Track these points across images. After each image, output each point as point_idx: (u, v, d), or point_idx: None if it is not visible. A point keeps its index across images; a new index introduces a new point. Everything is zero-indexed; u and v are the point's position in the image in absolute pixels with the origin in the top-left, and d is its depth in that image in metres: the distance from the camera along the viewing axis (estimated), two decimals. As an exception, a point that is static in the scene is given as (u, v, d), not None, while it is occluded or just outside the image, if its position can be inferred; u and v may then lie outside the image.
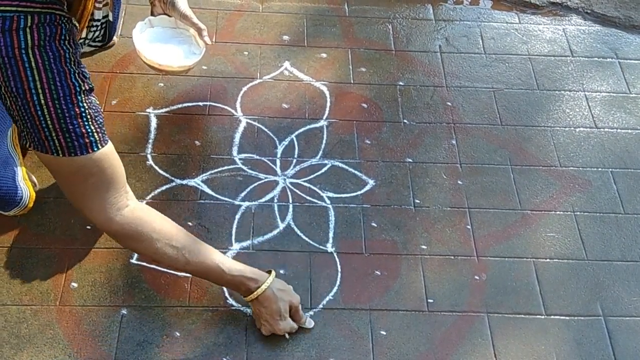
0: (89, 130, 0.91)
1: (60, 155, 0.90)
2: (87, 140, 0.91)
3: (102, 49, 1.56)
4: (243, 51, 1.61)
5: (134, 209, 1.02)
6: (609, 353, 1.21)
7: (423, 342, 1.20)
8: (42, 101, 0.86)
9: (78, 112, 0.89)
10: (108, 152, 0.95)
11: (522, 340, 1.22)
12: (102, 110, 0.96)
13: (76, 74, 0.89)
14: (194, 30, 1.35)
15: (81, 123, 0.90)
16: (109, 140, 0.97)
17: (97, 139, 0.92)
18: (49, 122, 0.87)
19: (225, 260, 1.09)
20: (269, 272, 1.15)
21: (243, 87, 1.54)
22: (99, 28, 1.37)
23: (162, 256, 1.04)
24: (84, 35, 1.32)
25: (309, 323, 1.18)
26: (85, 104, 0.90)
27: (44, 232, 1.27)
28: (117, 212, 0.99)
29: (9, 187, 1.17)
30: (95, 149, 0.92)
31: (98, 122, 0.93)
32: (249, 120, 1.48)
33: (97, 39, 1.43)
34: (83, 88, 0.90)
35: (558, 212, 1.40)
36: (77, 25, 0.95)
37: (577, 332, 1.23)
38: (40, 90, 0.85)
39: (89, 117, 0.91)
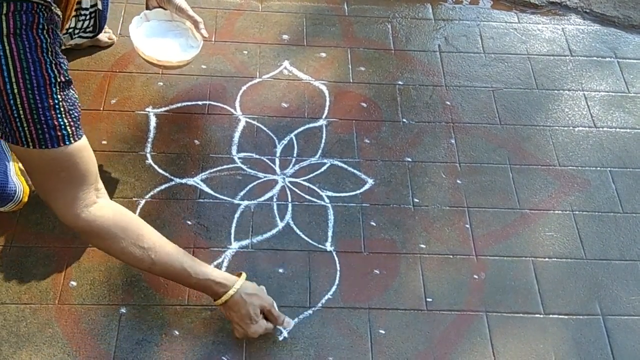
0: (62, 123, 0.89)
1: (31, 146, 0.88)
2: (59, 133, 0.89)
3: (102, 48, 1.56)
4: (242, 50, 1.62)
5: (102, 207, 0.99)
6: (608, 352, 1.21)
7: (422, 341, 1.20)
8: (15, 90, 0.84)
9: (52, 103, 0.87)
10: (81, 147, 0.93)
11: (520, 339, 1.22)
12: (80, 104, 0.94)
13: (53, 65, 0.87)
14: (190, 22, 1.34)
15: (54, 115, 0.88)
16: (84, 136, 0.94)
17: (70, 132, 0.90)
18: (20, 112, 0.85)
19: (193, 264, 1.07)
20: (240, 274, 1.13)
21: (242, 86, 1.54)
22: (87, 17, 1.35)
23: (128, 255, 1.02)
24: (72, 24, 1.31)
25: (288, 323, 1.16)
26: (59, 96, 0.88)
27: (43, 231, 1.27)
28: (85, 209, 0.97)
29: (1, 181, 1.16)
30: (67, 143, 0.90)
31: (72, 116, 0.91)
32: (248, 120, 1.49)
33: (87, 29, 1.41)
34: (59, 80, 0.88)
35: (557, 212, 1.40)
36: (60, 13, 0.93)
37: (576, 331, 1.24)
38: (14, 79, 0.84)
39: (62, 109, 0.89)
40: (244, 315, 1.10)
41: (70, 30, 1.31)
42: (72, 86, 0.92)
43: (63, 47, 1.37)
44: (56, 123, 0.88)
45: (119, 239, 1.00)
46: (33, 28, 0.84)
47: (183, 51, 1.34)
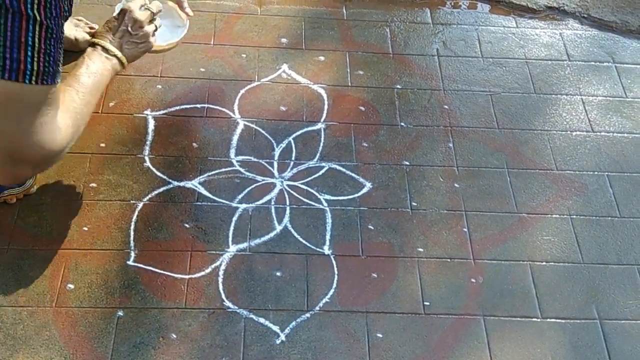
0: (59, 59, 0.92)
1: (34, 81, 0.87)
2: (57, 69, 0.91)
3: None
4: (241, 54, 1.62)
5: (59, 117, 1.00)
6: (605, 356, 1.21)
7: (419, 345, 1.20)
8: (37, 17, 0.84)
9: (59, 36, 0.90)
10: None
11: (518, 343, 1.22)
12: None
13: (67, 2, 0.91)
14: (174, 2, 1.33)
15: (59, 50, 0.91)
16: None
17: (59, 70, 0.93)
18: (36, 40, 0.85)
19: (86, 78, 1.08)
20: (92, 44, 1.15)
21: (241, 90, 1.55)
22: None
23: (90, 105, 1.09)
24: None
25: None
26: (62, 34, 0.92)
27: (40, 233, 1.27)
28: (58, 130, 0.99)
29: None
30: (57, 81, 0.93)
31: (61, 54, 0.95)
32: (246, 123, 1.49)
33: None
34: (64, 19, 0.92)
35: (554, 216, 1.40)
36: None
37: (573, 335, 1.24)
38: (35, 5, 0.84)
39: (61, 45, 0.92)
40: (144, 49, 1.20)
41: None
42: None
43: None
44: (58, 57, 0.91)
45: (73, 114, 1.02)
46: None
47: (170, 32, 1.31)
